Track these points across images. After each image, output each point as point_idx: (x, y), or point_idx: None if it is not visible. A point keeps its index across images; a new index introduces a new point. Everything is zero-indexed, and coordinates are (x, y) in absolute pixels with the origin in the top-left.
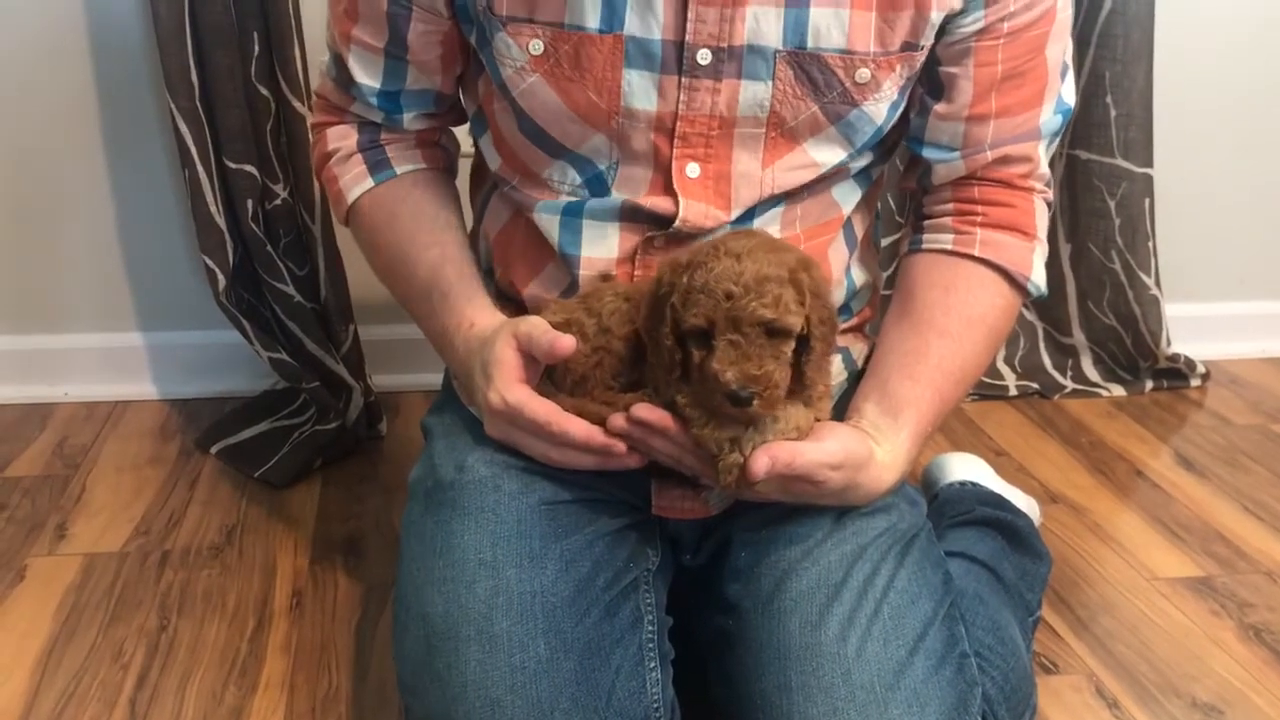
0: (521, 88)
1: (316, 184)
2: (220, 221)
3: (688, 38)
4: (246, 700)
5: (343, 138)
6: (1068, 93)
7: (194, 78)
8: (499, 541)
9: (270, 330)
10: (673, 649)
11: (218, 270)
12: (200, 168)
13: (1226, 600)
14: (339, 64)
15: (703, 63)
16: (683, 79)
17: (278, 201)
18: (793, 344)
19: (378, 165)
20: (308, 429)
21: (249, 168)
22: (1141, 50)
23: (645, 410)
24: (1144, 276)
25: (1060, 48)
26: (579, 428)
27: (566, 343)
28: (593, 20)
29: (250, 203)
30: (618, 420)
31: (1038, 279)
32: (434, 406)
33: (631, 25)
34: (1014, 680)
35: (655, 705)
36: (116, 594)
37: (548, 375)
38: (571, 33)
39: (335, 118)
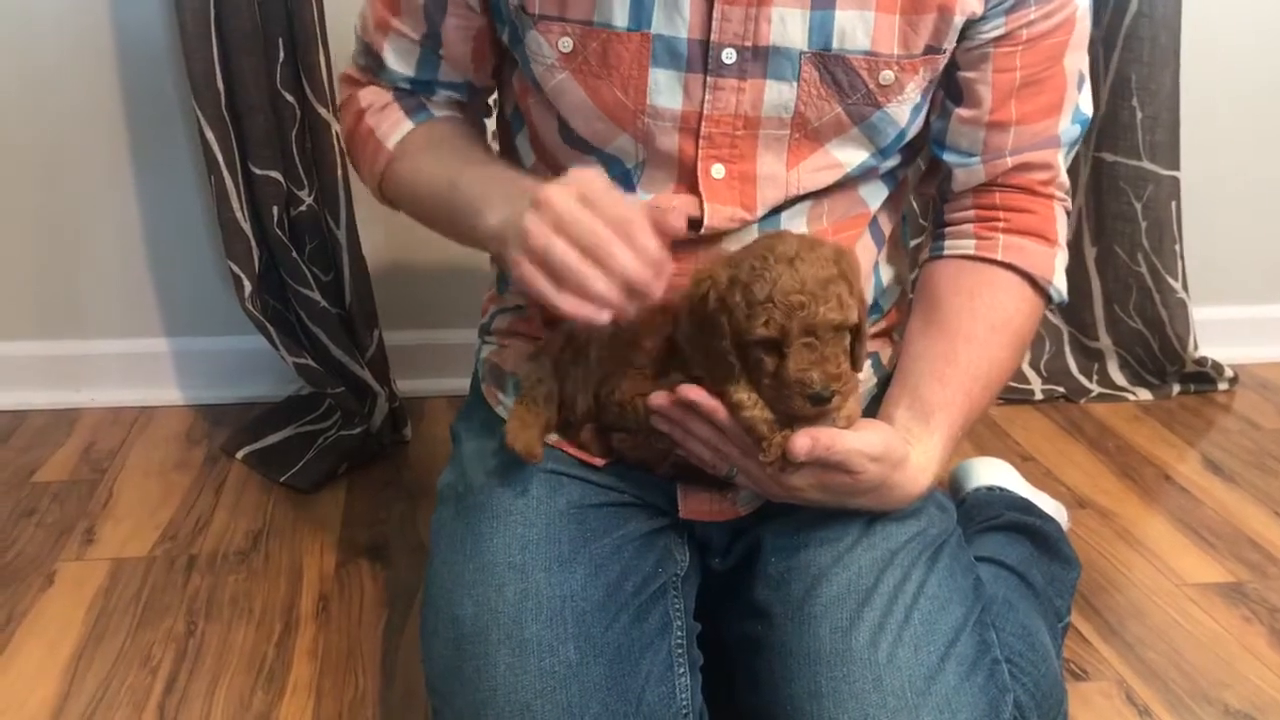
0: (551, 85)
1: (341, 181)
2: (246, 227)
3: (713, 37)
4: (274, 705)
5: (377, 94)
6: (1085, 103)
7: (219, 83)
8: (528, 545)
9: (295, 336)
10: (701, 655)
11: (243, 276)
12: (226, 173)
13: (1258, 606)
14: (369, 53)
15: (728, 61)
16: (708, 78)
17: (303, 208)
18: (848, 335)
19: (416, 109)
20: (333, 434)
21: (274, 174)
22: (1168, 52)
23: (694, 392)
24: (1171, 280)
25: (1078, 58)
26: (646, 240)
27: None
28: (620, 18)
29: (275, 209)
30: (660, 398)
31: (1060, 284)
32: (462, 411)
33: (659, 24)
34: (1045, 687)
35: (684, 711)
36: (144, 599)
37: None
38: (599, 30)
39: (367, 79)
